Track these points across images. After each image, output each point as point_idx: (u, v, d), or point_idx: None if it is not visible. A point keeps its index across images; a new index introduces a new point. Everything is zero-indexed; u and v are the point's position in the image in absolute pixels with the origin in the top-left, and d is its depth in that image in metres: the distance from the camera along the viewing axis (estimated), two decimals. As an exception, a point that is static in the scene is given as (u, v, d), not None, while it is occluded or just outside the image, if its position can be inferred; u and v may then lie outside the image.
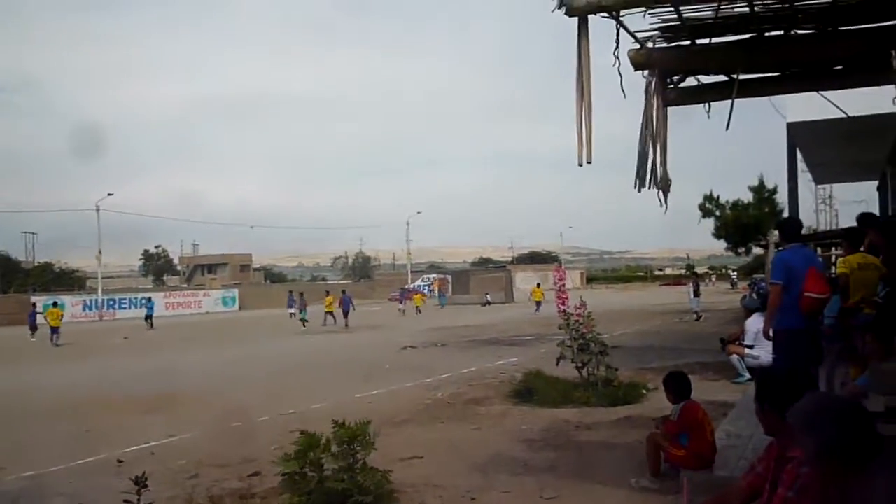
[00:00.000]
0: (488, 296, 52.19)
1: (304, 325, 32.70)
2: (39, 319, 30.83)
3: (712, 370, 12.61)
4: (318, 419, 10.32)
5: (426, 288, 68.22)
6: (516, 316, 35.65)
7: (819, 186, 41.04)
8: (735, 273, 68.37)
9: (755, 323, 11.57)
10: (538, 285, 43.09)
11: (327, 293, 37.10)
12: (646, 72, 4.91)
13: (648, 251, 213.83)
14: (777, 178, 45.26)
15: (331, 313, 34.41)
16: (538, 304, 38.70)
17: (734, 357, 11.45)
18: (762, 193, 44.87)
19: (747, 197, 44.90)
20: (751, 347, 11.46)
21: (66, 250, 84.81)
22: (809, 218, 48.17)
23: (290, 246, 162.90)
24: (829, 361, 7.42)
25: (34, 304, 35.57)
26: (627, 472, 6.40)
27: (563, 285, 12.06)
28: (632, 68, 4.67)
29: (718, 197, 45.73)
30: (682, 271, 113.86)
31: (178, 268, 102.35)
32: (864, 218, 8.55)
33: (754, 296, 30.75)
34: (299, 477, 4.99)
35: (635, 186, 4.60)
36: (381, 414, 10.28)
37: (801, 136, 10.61)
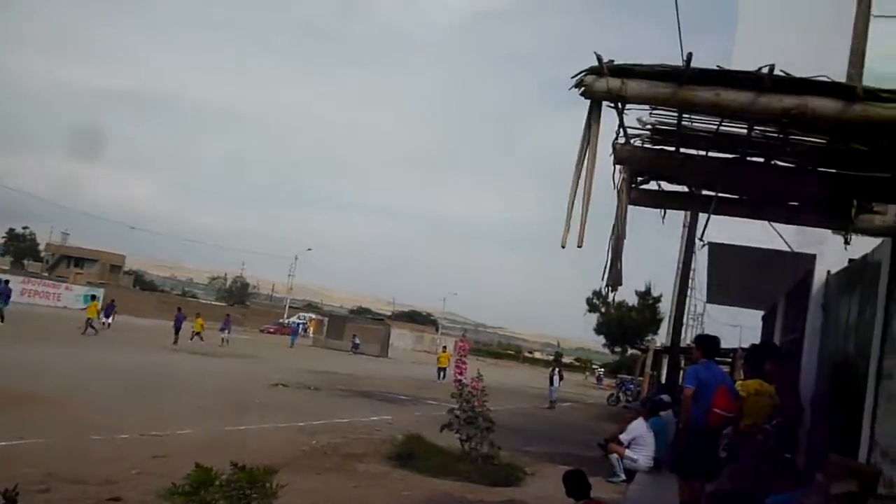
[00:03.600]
0: (356, 338, 51.54)
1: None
2: None
3: (585, 464, 12.64)
4: (184, 447, 9.70)
5: (301, 326, 66.80)
6: (390, 371, 35.32)
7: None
8: (602, 370, 70.36)
9: (638, 427, 11.84)
10: (444, 349, 37.62)
11: (198, 315, 36.37)
12: (619, 167, 4.95)
13: (521, 332, 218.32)
14: (662, 289, 47.65)
15: (199, 334, 34.23)
16: (442, 370, 32.72)
17: (614, 456, 11.58)
18: (647, 300, 47.14)
19: (632, 300, 46.91)
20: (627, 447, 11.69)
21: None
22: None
23: (167, 256, 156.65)
24: (719, 480, 7.57)
25: None
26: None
27: (465, 357, 12.02)
28: (611, 160, 4.69)
29: (606, 295, 47.38)
30: (551, 357, 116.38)
31: (43, 254, 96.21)
32: (764, 348, 8.94)
33: (629, 399, 31.57)
34: (184, 515, 4.54)
35: (605, 284, 4.57)
36: (254, 453, 9.67)
37: (717, 257, 11.07)
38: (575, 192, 3.57)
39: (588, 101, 3.61)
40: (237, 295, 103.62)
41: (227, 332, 37.41)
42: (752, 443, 7.71)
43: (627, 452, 11.55)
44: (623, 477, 11.28)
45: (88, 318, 31.41)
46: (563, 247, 3.48)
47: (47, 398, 11.94)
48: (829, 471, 4.54)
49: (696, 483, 7.43)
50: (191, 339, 33.31)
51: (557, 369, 28.87)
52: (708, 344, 7.81)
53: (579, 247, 3.45)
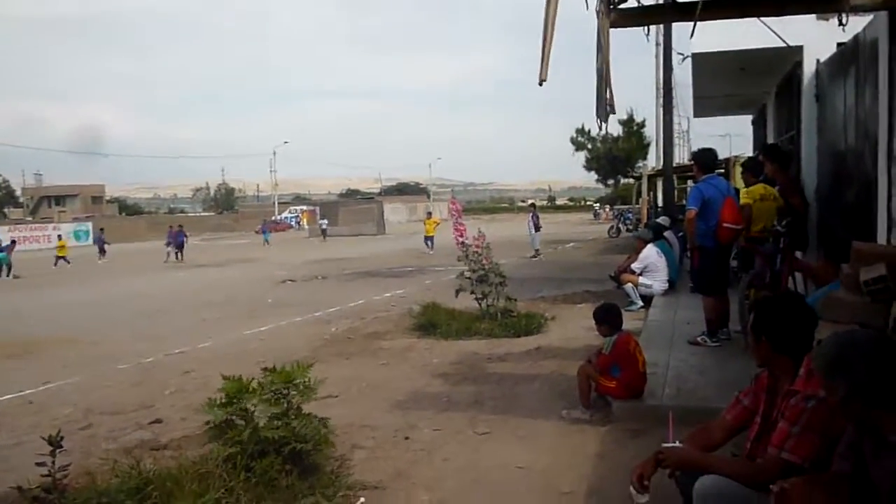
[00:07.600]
0: (324, 223, 51.44)
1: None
2: None
3: (602, 298, 12.82)
4: (208, 358, 9.80)
5: (294, 220, 66.70)
6: (390, 247, 35.48)
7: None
8: (598, 205, 70.86)
9: (648, 253, 11.92)
10: (429, 215, 33.18)
11: (59, 237, 36.94)
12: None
13: (512, 183, 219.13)
14: (643, 113, 47.21)
15: (63, 257, 32.38)
16: (430, 239, 30.21)
17: (629, 286, 11.72)
18: (631, 127, 46.69)
19: (617, 130, 46.39)
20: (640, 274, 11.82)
21: None
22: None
23: (144, 177, 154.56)
24: (739, 288, 7.66)
25: None
26: (553, 403, 6.36)
27: (460, 217, 11.89)
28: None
29: (590, 130, 46.82)
30: (545, 202, 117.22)
31: (21, 199, 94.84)
32: (767, 149, 8.80)
33: (630, 228, 31.67)
34: (227, 425, 4.55)
35: (596, 115, 4.37)
36: (278, 351, 9.84)
37: (700, 68, 10.74)
38: (549, 25, 3.32)
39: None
40: (223, 202, 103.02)
41: (182, 243, 33.91)
42: (764, 248, 7.74)
43: (641, 280, 11.69)
44: (640, 304, 11.47)
45: (58, 256, 32.47)
46: (543, 82, 3.27)
47: (64, 339, 11.96)
48: (855, 259, 4.50)
49: (720, 298, 7.52)
50: (55, 265, 31.63)
51: (535, 215, 26.27)
52: (705, 158, 7.66)
53: (543, 80, 3.24)
